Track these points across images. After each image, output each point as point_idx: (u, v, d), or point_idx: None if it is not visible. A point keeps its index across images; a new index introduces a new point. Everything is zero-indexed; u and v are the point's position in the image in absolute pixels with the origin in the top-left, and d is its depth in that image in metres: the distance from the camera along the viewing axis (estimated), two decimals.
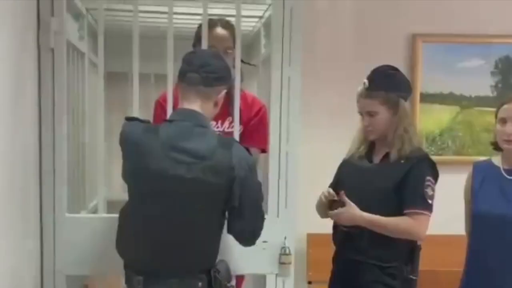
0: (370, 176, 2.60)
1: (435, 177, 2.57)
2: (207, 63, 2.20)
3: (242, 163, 2.16)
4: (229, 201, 2.16)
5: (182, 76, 2.22)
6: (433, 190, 2.53)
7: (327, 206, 2.62)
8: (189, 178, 2.10)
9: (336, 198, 2.58)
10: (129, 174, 2.19)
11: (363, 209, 2.53)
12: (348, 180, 2.68)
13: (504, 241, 2.59)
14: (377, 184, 2.55)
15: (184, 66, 2.23)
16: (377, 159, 2.65)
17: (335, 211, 2.56)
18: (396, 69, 2.64)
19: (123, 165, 2.21)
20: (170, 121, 2.23)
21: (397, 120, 2.56)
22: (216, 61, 2.24)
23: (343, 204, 2.55)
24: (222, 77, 2.23)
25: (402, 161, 2.53)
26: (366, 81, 2.59)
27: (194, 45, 2.81)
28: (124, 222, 2.24)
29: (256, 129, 2.83)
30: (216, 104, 2.25)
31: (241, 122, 2.68)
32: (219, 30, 2.74)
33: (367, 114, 2.59)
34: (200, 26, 2.77)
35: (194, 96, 2.20)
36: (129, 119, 2.26)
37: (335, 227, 2.68)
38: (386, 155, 2.59)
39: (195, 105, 2.19)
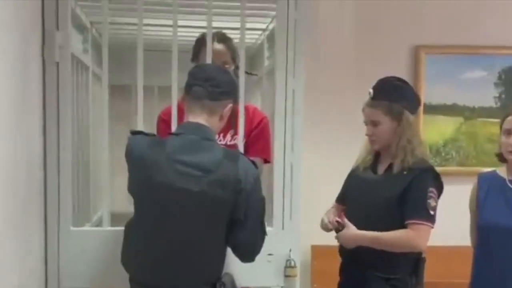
0: (373, 188, 2.59)
1: (439, 188, 2.55)
2: (212, 77, 2.20)
3: (248, 176, 2.16)
4: (234, 214, 2.16)
5: (188, 89, 2.23)
6: (435, 201, 2.51)
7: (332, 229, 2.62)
8: (196, 191, 2.10)
9: (336, 222, 2.58)
10: (135, 188, 2.19)
11: (367, 221, 2.53)
12: (353, 192, 2.69)
13: (510, 253, 2.58)
14: (381, 195, 2.54)
15: (190, 79, 2.23)
16: (381, 170, 2.64)
17: (337, 234, 2.57)
18: (403, 81, 2.65)
19: (128, 179, 2.21)
20: (176, 134, 2.23)
21: (400, 131, 2.56)
22: (221, 75, 2.24)
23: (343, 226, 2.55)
24: (228, 91, 2.24)
25: (405, 172, 2.52)
26: (371, 90, 2.60)
27: (192, 60, 2.82)
28: (129, 235, 2.24)
29: (257, 140, 2.83)
30: (221, 118, 2.25)
31: (243, 134, 2.68)
32: (215, 45, 2.69)
33: (370, 123, 2.60)
34: (196, 41, 2.78)
35: (199, 109, 2.20)
36: (134, 132, 2.27)
37: None
38: (390, 166, 2.59)
39: (200, 119, 2.20)
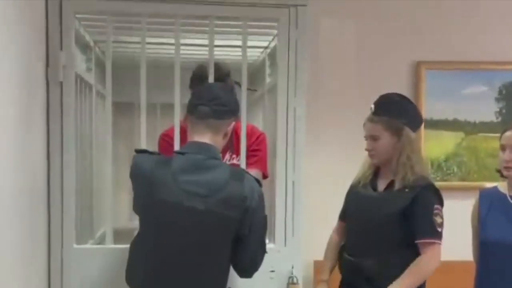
0: (375, 204, 2.61)
1: (441, 204, 2.57)
2: (217, 97, 2.23)
3: (253, 194, 2.19)
4: (239, 231, 2.19)
5: (192, 109, 2.24)
6: (441, 217, 2.54)
7: None
8: (204, 210, 2.12)
9: None
10: (142, 207, 2.21)
11: (368, 237, 2.56)
12: (354, 209, 2.70)
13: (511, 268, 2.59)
14: (382, 212, 2.55)
15: (194, 99, 2.26)
16: (381, 186, 2.66)
17: None
18: (404, 98, 2.68)
19: (134, 198, 2.22)
20: (182, 153, 2.24)
21: (400, 147, 2.58)
22: (226, 94, 2.27)
23: None
24: (232, 110, 2.27)
25: (406, 190, 2.54)
26: (372, 106, 2.63)
27: (190, 87, 2.86)
28: (135, 253, 2.25)
29: (255, 154, 2.88)
30: (225, 136, 2.28)
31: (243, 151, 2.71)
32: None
33: (370, 138, 2.62)
34: (193, 75, 2.82)
35: (204, 129, 2.22)
36: (139, 151, 2.28)
37: (341, 256, 2.69)
38: (391, 183, 2.61)
39: (206, 138, 2.22)
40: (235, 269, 2.27)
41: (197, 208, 2.12)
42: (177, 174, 2.14)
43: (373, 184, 2.68)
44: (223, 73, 2.79)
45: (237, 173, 2.22)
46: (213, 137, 2.23)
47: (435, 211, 2.51)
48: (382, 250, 2.53)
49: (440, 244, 2.51)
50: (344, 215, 2.77)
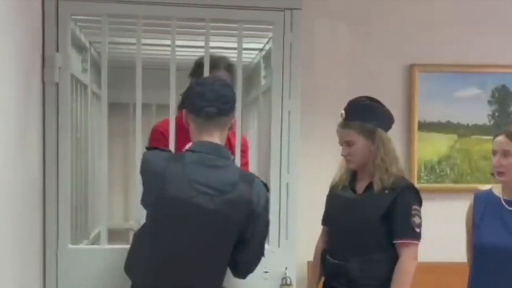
0: (356, 206, 2.63)
1: (420, 204, 2.61)
2: (222, 95, 2.25)
3: (260, 200, 2.23)
4: (242, 234, 2.22)
5: (198, 111, 2.25)
6: (420, 218, 2.57)
7: None
8: (211, 209, 2.15)
9: None
10: (151, 203, 2.22)
11: (350, 239, 2.59)
12: (335, 212, 2.72)
13: (505, 272, 2.61)
14: (364, 214, 2.58)
15: (197, 101, 2.24)
16: (360, 189, 2.69)
17: None
18: (373, 100, 2.69)
19: (144, 193, 2.24)
20: (193, 151, 2.25)
21: (375, 149, 2.61)
22: (228, 91, 2.29)
23: None
24: (234, 105, 2.33)
25: (386, 191, 2.57)
26: (343, 112, 2.65)
27: (191, 75, 2.86)
28: (139, 244, 2.27)
29: (243, 156, 2.90)
30: (229, 129, 2.34)
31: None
32: (223, 74, 2.75)
33: (345, 143, 2.65)
34: (200, 64, 2.83)
35: (213, 128, 2.25)
36: (150, 148, 2.32)
37: (324, 259, 2.71)
38: (370, 185, 2.63)
39: (215, 137, 2.25)
40: (231, 269, 2.29)
41: (206, 207, 2.15)
42: (188, 171, 2.17)
43: (352, 186, 2.71)
44: (218, 57, 2.83)
45: (247, 176, 2.26)
46: (221, 135, 2.27)
47: (413, 212, 2.55)
48: (366, 251, 2.56)
49: (417, 243, 2.55)
50: (324, 219, 2.80)
